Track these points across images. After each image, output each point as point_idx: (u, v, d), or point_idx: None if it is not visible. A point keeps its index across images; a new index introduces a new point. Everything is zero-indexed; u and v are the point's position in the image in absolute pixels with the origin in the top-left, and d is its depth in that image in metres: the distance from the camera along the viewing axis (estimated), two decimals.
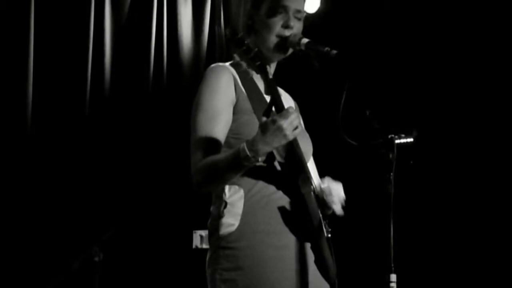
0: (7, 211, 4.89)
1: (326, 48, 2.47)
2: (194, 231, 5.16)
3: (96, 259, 4.21)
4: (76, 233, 4.93)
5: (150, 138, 5.33)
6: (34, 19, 5.16)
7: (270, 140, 2.21)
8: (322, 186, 2.54)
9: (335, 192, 2.51)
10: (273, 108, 2.28)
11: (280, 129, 2.19)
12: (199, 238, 5.14)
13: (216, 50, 5.62)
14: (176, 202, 5.17)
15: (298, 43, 2.51)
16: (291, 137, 2.24)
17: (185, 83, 5.50)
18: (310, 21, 4.89)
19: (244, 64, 2.50)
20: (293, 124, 2.21)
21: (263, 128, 2.21)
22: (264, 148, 2.22)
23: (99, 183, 5.16)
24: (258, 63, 2.33)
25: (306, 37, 2.54)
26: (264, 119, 2.24)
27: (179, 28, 5.60)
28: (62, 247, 4.85)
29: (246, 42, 2.33)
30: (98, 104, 5.31)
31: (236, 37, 2.35)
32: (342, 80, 2.48)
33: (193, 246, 5.17)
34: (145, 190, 5.22)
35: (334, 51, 2.45)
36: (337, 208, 2.51)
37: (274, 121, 2.20)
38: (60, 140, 5.14)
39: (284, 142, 2.24)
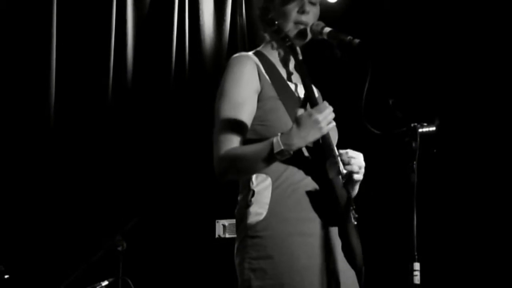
0: (34, 201, 4.93)
1: (349, 37, 2.45)
2: (216, 221, 5.19)
3: (120, 248, 4.25)
4: (100, 223, 4.97)
5: (172, 128, 5.35)
6: (56, 11, 5.18)
7: (305, 134, 2.22)
8: (342, 155, 2.50)
9: (355, 161, 2.48)
10: (308, 102, 2.29)
11: (316, 122, 2.21)
12: (222, 228, 5.16)
13: (238, 40, 5.63)
14: (199, 192, 5.19)
15: (321, 32, 2.51)
16: (325, 131, 2.26)
17: (207, 73, 5.52)
18: (332, 10, 4.90)
19: (274, 45, 2.52)
20: (327, 118, 2.24)
21: (299, 121, 2.23)
22: (299, 143, 2.24)
23: (123, 174, 5.19)
24: (289, 43, 2.34)
25: (328, 26, 2.53)
26: (300, 112, 2.24)
27: (200, 18, 5.61)
28: (86, 236, 4.89)
29: (276, 22, 2.33)
30: (121, 95, 5.34)
31: (267, 17, 2.36)
32: (365, 69, 2.47)
33: (216, 236, 5.19)
34: (167, 181, 5.24)
35: (357, 40, 2.44)
36: (357, 176, 2.48)
37: (310, 115, 2.22)
38: (83, 131, 5.17)
39: (318, 136, 2.26)
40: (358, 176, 2.48)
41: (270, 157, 2.27)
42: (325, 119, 2.23)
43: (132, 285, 4.29)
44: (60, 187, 5.03)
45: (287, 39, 2.35)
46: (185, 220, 5.25)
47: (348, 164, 2.44)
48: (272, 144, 2.25)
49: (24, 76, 5.06)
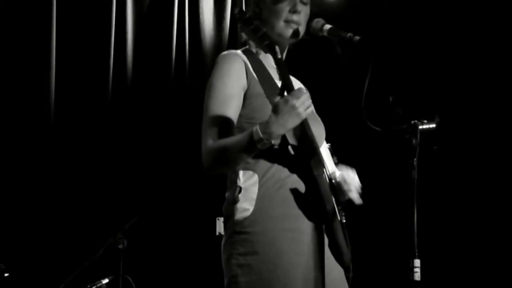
0: (34, 200, 4.93)
1: (349, 34, 2.47)
2: (217, 218, 5.18)
3: (120, 246, 4.25)
4: (101, 221, 4.97)
5: (173, 126, 5.34)
6: (56, 9, 5.18)
7: (283, 120, 2.22)
8: (337, 174, 2.54)
9: (350, 180, 2.52)
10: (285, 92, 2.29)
11: (293, 108, 2.21)
12: (222, 225, 5.15)
13: (238, 38, 5.62)
14: (200, 189, 5.19)
15: (321, 29, 2.52)
16: (304, 116, 2.25)
17: (207, 71, 5.50)
18: (331, 7, 4.90)
19: (252, 44, 2.53)
20: (305, 103, 2.23)
21: (276, 108, 2.23)
22: (278, 130, 2.24)
23: (123, 172, 5.19)
24: (267, 42, 2.33)
25: (328, 23, 2.54)
26: (277, 99, 2.24)
27: (200, 16, 5.61)
28: (87, 235, 4.89)
29: (254, 21, 2.33)
30: (121, 93, 5.34)
31: (244, 16, 2.36)
32: (366, 66, 2.47)
33: (217, 233, 5.18)
34: (168, 178, 5.24)
35: (357, 37, 2.45)
36: (354, 196, 2.52)
37: (286, 101, 2.22)
38: (84, 130, 5.17)
39: (297, 121, 2.25)
40: (356, 196, 2.54)
41: (251, 146, 2.27)
42: (302, 104, 2.22)
43: (133, 283, 4.29)
44: (60, 185, 5.03)
45: (265, 38, 2.33)
46: (186, 218, 5.25)
47: (350, 191, 2.51)
48: (252, 133, 2.26)
49: (24, 74, 5.06)
